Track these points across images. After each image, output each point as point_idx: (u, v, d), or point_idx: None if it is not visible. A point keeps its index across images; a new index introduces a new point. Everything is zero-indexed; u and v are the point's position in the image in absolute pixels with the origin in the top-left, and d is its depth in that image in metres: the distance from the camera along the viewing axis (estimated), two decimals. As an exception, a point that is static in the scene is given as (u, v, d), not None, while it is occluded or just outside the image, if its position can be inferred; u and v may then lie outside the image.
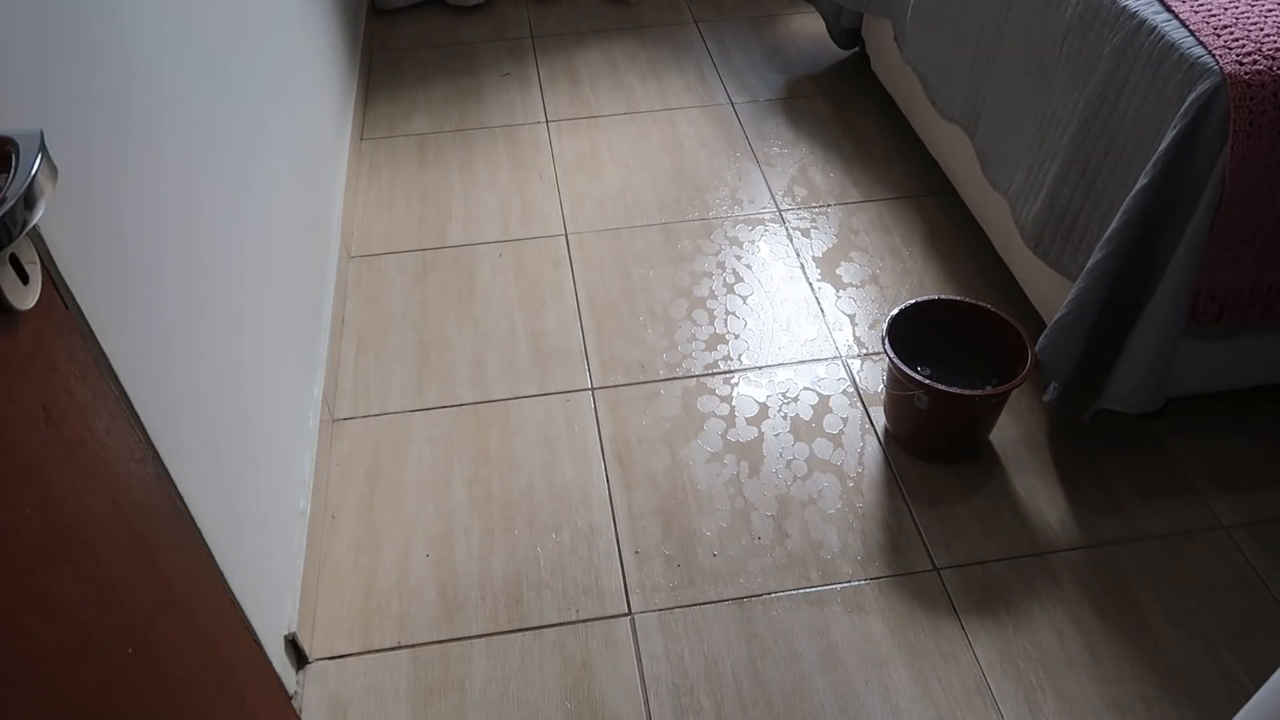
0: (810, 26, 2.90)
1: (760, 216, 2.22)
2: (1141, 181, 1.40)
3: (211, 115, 1.32)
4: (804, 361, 1.88)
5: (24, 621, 0.63)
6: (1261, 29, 1.36)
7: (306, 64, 2.00)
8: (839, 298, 2.01)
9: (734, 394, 1.82)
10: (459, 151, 2.44)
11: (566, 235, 2.18)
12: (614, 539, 1.59)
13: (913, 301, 1.68)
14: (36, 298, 0.66)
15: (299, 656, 1.41)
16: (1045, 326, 1.59)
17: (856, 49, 2.71)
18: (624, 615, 1.49)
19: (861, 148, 2.42)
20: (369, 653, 1.45)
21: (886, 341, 1.60)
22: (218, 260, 1.27)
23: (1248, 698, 1.09)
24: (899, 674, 1.41)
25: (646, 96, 2.63)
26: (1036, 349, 1.58)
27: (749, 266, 2.09)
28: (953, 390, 1.58)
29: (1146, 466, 1.67)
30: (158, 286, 1.05)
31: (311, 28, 2.10)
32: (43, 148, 0.62)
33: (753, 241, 2.15)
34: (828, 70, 2.72)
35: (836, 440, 1.73)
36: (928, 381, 1.54)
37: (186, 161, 1.19)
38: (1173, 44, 1.37)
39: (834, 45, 2.74)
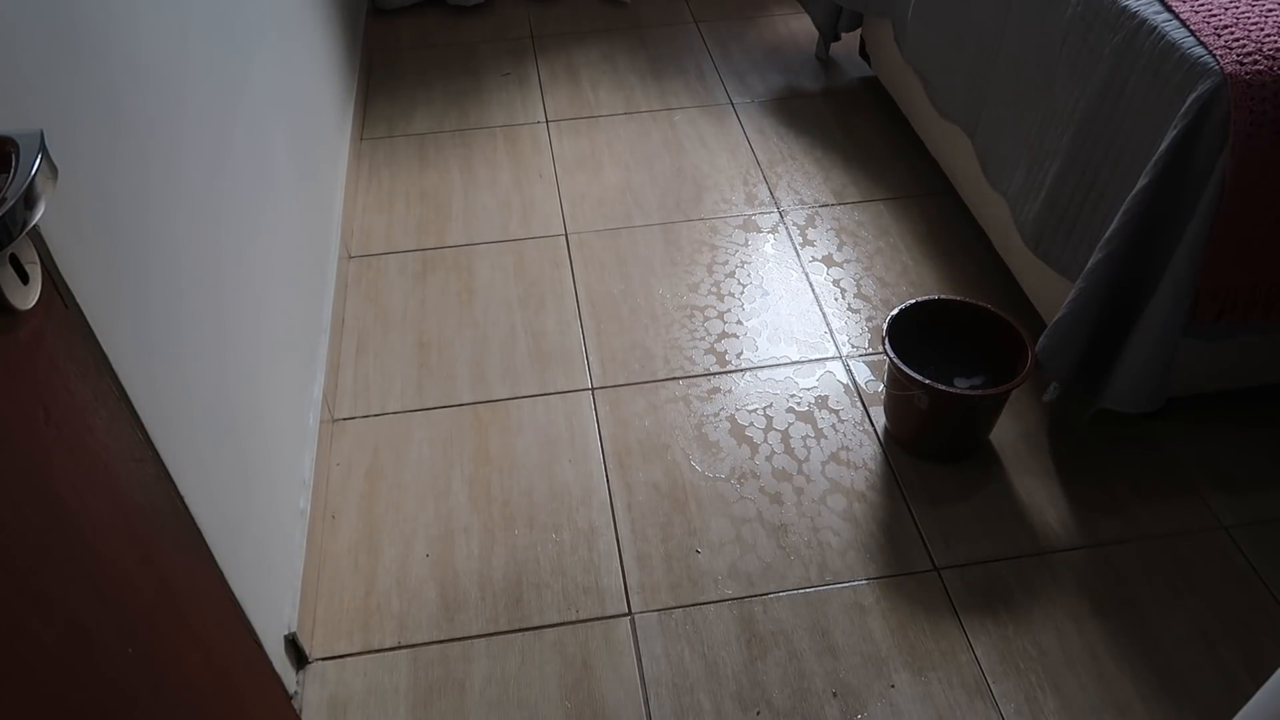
0: (811, 26, 2.90)
1: (760, 216, 2.22)
2: (1142, 182, 1.40)
3: (212, 115, 1.32)
4: (804, 361, 1.88)
5: (24, 621, 0.63)
6: (1262, 29, 1.36)
7: (306, 64, 2.00)
8: (839, 297, 2.01)
9: (734, 393, 1.81)
10: (459, 151, 2.44)
11: (566, 235, 2.18)
12: (614, 539, 1.59)
13: (913, 301, 1.68)
14: (36, 298, 0.66)
15: (299, 656, 1.41)
16: (1045, 326, 1.59)
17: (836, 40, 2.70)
18: (624, 615, 1.49)
19: (861, 148, 2.42)
20: (369, 653, 1.45)
21: (886, 341, 1.60)
22: (218, 259, 1.27)
23: (1248, 698, 1.09)
24: (899, 674, 1.41)
25: (646, 96, 2.63)
26: (1036, 349, 1.58)
27: (748, 266, 2.09)
28: (953, 390, 1.58)
29: (1146, 466, 1.67)
30: (158, 286, 1.05)
31: (311, 28, 2.10)
32: (43, 148, 0.62)
33: (752, 241, 2.15)
34: (828, 70, 2.73)
35: (836, 440, 1.73)
36: (928, 382, 1.54)
37: (186, 161, 1.19)
38: (1173, 44, 1.37)
39: (823, 52, 2.74)
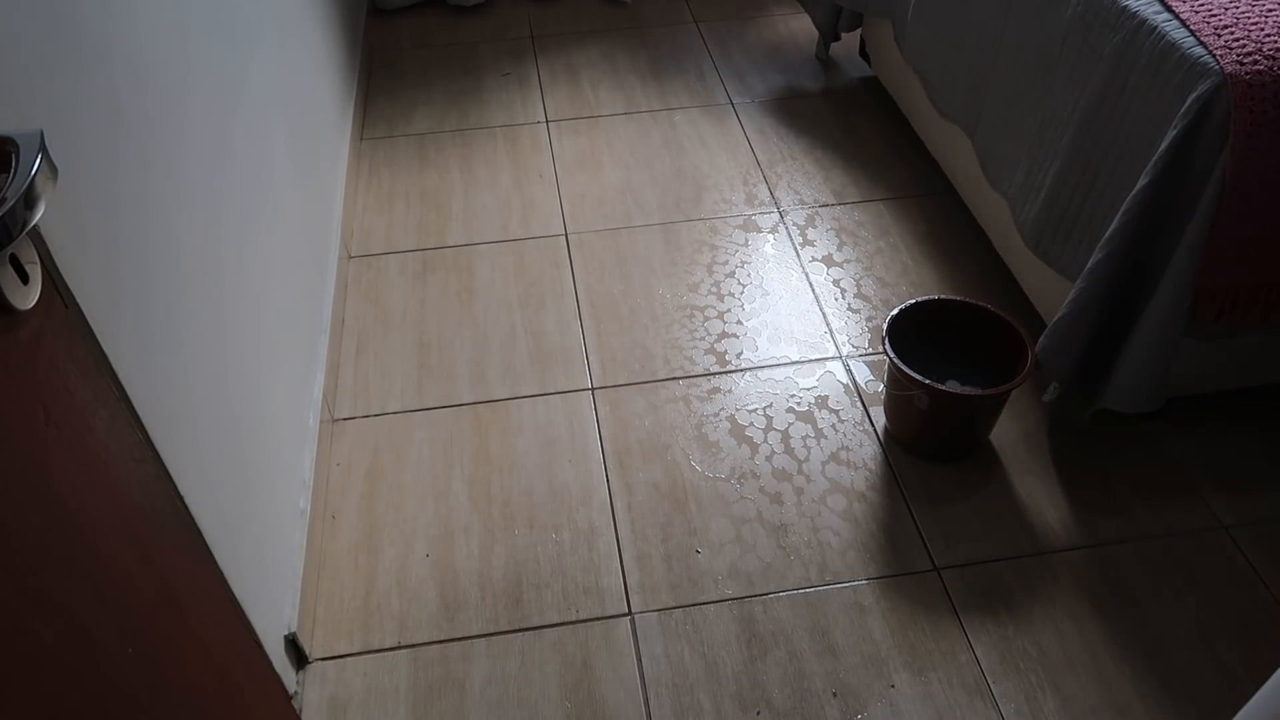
0: (811, 26, 2.90)
1: (760, 216, 2.22)
2: (1142, 181, 1.40)
3: (212, 115, 1.32)
4: (804, 361, 1.88)
5: (24, 621, 0.63)
6: (1262, 29, 1.36)
7: (306, 64, 2.00)
8: (839, 297, 2.01)
9: (734, 393, 1.81)
10: (459, 151, 2.44)
11: (566, 235, 2.18)
12: (614, 539, 1.59)
13: (913, 301, 1.68)
14: (36, 298, 0.66)
15: (299, 656, 1.41)
16: (1045, 326, 1.59)
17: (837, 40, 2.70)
18: (624, 615, 1.49)
19: (861, 148, 2.42)
20: (369, 653, 1.45)
21: (886, 341, 1.60)
22: (218, 259, 1.27)
23: (1248, 698, 1.09)
24: (899, 674, 1.41)
25: (646, 96, 2.63)
26: (1036, 349, 1.58)
27: (748, 266, 2.09)
28: (953, 390, 1.58)
29: (1146, 466, 1.67)
30: (158, 286, 1.05)
31: (311, 28, 2.10)
32: (43, 148, 0.62)
33: (752, 241, 2.15)
34: (828, 70, 2.73)
35: (836, 440, 1.73)
36: (928, 381, 1.54)
37: (186, 161, 1.19)
38: (1173, 44, 1.37)
39: (823, 52, 2.74)
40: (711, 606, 1.49)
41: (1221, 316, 1.50)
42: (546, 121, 2.54)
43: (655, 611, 1.49)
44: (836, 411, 1.78)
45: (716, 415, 1.78)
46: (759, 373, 1.85)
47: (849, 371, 1.86)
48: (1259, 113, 1.31)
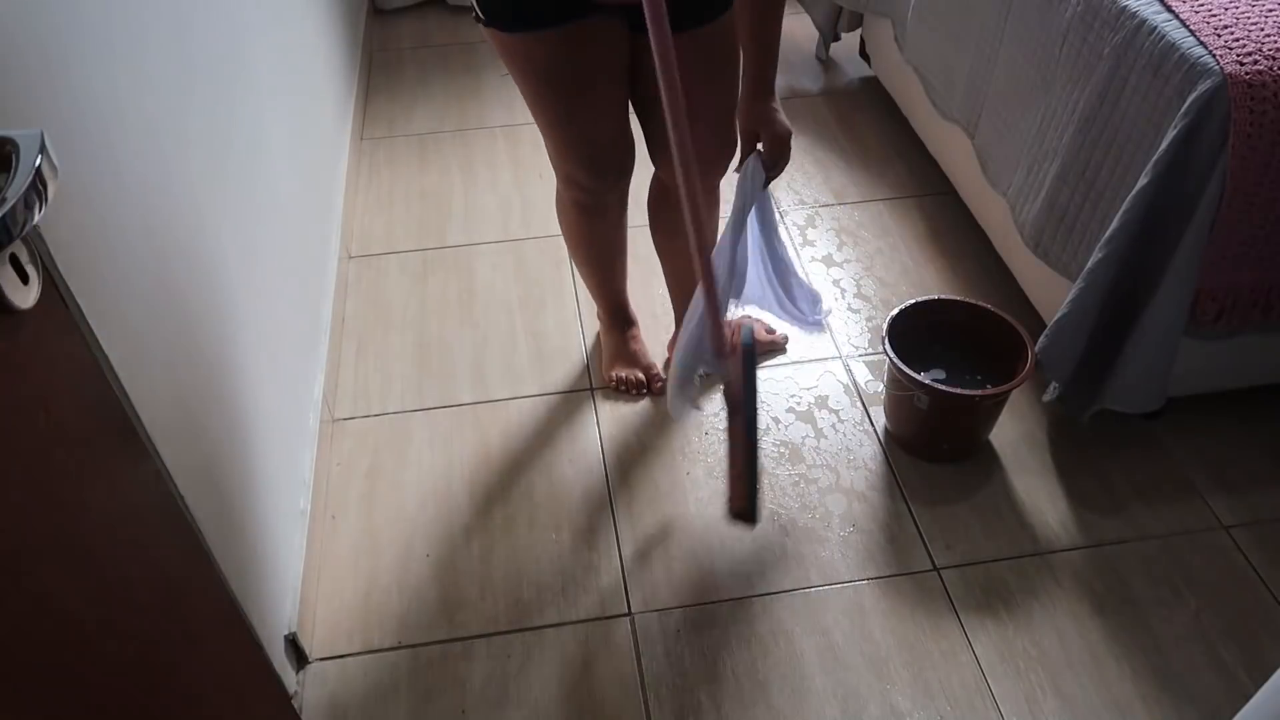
0: (810, 26, 2.90)
1: (760, 216, 2.21)
2: (1141, 182, 1.40)
3: (212, 115, 1.32)
4: (804, 361, 1.88)
5: (24, 621, 0.63)
6: (1262, 29, 1.36)
7: (306, 64, 2.00)
8: (839, 297, 2.01)
9: (734, 394, 1.81)
10: (459, 151, 2.44)
11: (566, 235, 2.18)
12: (614, 539, 1.59)
13: (913, 301, 1.68)
14: (36, 298, 0.66)
15: (299, 656, 1.41)
16: (1045, 326, 1.59)
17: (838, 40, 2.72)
18: (624, 615, 1.49)
19: (861, 148, 2.42)
20: (369, 653, 1.45)
21: (886, 341, 1.60)
22: (218, 259, 1.26)
23: (1248, 698, 1.09)
24: (899, 674, 1.41)
25: (646, 96, 2.62)
26: (1036, 349, 1.58)
27: (749, 266, 2.09)
28: (953, 390, 1.58)
29: (1146, 466, 1.67)
30: (158, 286, 1.05)
31: (311, 28, 2.10)
32: (43, 148, 0.62)
33: (753, 241, 2.15)
34: (828, 70, 2.72)
35: (836, 440, 1.73)
36: (928, 381, 1.54)
37: (186, 161, 1.19)
38: (1173, 44, 1.37)
39: (823, 52, 2.75)
40: (711, 606, 1.49)
41: (1222, 316, 1.50)
42: (546, 121, 2.54)
43: (655, 611, 1.49)
44: (836, 411, 1.78)
45: (716, 415, 1.78)
46: (759, 373, 1.85)
47: (849, 371, 1.86)
48: (1259, 113, 1.31)
